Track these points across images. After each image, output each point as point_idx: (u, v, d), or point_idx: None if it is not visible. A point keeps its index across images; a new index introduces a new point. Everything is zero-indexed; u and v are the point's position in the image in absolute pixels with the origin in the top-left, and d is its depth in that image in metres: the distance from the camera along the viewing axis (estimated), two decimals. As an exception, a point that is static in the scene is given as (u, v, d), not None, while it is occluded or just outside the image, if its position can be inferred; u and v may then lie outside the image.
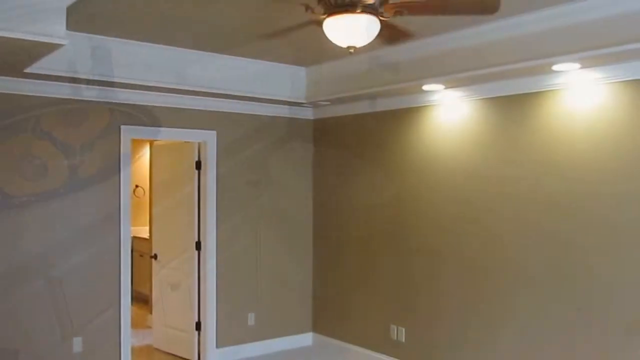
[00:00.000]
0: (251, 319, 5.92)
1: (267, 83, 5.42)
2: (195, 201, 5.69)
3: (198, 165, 5.71)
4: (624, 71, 3.73)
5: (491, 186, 4.58)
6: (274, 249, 6.10)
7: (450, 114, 4.90)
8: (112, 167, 5.05)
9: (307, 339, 6.33)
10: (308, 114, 6.28)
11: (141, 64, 4.68)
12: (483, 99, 4.64)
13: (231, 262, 5.79)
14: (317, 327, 6.32)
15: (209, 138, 5.64)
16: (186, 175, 5.78)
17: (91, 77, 4.49)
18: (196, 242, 5.69)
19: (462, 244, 4.80)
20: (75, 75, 4.42)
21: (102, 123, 5.00)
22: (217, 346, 5.70)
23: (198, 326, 5.70)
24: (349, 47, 2.98)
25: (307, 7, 2.80)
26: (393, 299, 5.41)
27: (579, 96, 4.01)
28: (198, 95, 5.31)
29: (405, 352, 5.27)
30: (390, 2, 2.82)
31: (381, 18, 2.84)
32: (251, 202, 5.92)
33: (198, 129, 5.57)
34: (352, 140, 5.86)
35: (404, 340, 5.29)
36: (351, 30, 2.85)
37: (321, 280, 6.27)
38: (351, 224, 5.87)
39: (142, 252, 8.04)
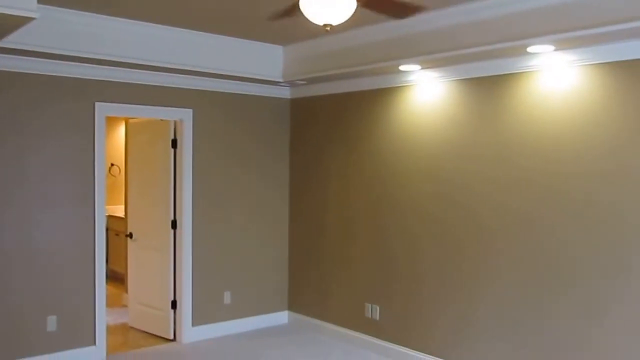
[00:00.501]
0: (227, 298, 5.95)
1: (244, 61, 5.38)
2: (171, 180, 5.66)
3: (174, 143, 5.67)
4: (597, 54, 3.78)
5: (467, 165, 4.63)
6: (251, 227, 6.11)
7: (427, 94, 4.93)
8: (87, 145, 4.99)
9: (283, 317, 6.39)
10: (285, 93, 6.26)
11: (116, 40, 4.61)
12: (459, 79, 4.67)
13: (207, 241, 5.79)
14: (293, 305, 6.37)
15: (185, 116, 5.59)
16: (162, 154, 5.74)
17: (65, 53, 4.41)
18: (172, 221, 5.67)
19: (438, 223, 4.86)
20: (49, 51, 4.33)
21: (76, 100, 4.93)
22: (193, 324, 5.72)
23: (174, 304, 5.71)
24: (325, 25, 2.98)
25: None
26: (368, 277, 5.47)
27: (553, 78, 4.06)
28: (174, 72, 5.25)
29: (380, 329, 5.35)
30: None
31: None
32: (228, 181, 5.91)
33: (174, 106, 5.52)
34: (330, 120, 5.86)
35: (378, 318, 5.36)
36: (327, 8, 2.84)
37: (297, 260, 6.31)
38: (328, 203, 5.90)
39: (118, 231, 8.01)
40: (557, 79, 4.04)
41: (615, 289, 3.76)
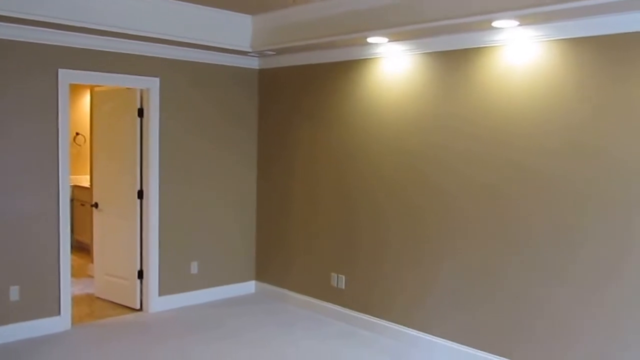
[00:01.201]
0: (194, 268, 5.97)
1: (212, 30, 5.32)
2: (138, 149, 5.61)
3: (140, 112, 5.60)
4: (560, 30, 3.86)
5: (433, 138, 4.70)
6: (218, 198, 6.12)
7: (394, 67, 4.96)
8: (50, 113, 4.90)
9: (250, 287, 6.45)
10: (254, 63, 6.22)
11: (81, 5, 4.50)
12: (426, 53, 4.71)
13: (174, 211, 5.78)
14: (260, 275, 6.43)
15: (152, 85, 5.52)
16: (128, 123, 5.67)
17: (26, 17, 4.29)
18: (138, 191, 5.64)
19: (403, 194, 4.94)
20: (9, 14, 4.21)
21: (39, 66, 4.81)
22: (160, 294, 5.74)
23: (140, 274, 5.71)
24: (292, -5, 2.96)
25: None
26: (334, 248, 5.55)
27: (518, 53, 4.13)
28: (141, 40, 5.17)
29: (345, 298, 5.45)
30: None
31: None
32: (195, 151, 5.88)
33: (141, 75, 5.44)
34: (297, 92, 5.86)
35: (343, 287, 5.46)
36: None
37: (264, 230, 6.35)
38: (295, 174, 5.93)
39: (84, 201, 7.92)
40: (521, 53, 4.11)
41: (571, 260, 3.90)
